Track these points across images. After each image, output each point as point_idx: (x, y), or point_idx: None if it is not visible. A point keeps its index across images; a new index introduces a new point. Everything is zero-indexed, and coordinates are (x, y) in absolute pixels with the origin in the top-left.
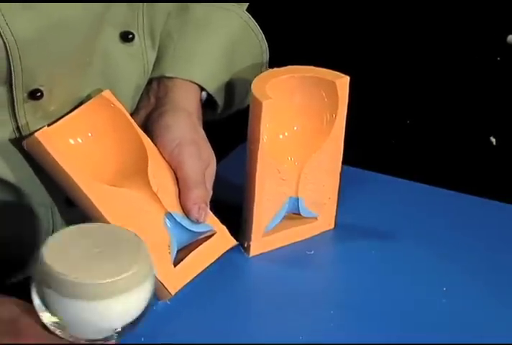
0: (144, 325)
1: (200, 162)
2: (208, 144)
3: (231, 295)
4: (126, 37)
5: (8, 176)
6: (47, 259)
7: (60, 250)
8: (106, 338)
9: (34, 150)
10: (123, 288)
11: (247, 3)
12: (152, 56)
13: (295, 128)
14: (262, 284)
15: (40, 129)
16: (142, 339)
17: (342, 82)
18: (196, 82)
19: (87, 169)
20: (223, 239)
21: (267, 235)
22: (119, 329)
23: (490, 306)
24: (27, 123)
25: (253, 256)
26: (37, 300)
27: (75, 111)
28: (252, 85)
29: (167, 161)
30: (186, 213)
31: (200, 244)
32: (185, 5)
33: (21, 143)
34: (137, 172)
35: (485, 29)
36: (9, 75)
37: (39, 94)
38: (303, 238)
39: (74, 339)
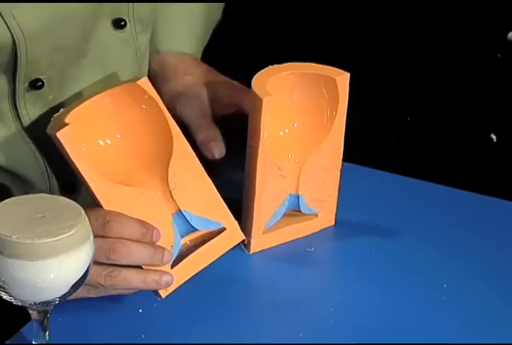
0: (143, 322)
1: (198, 105)
2: (214, 73)
3: (230, 292)
4: (118, 23)
5: (9, 164)
6: None
7: (4, 216)
8: (48, 302)
9: (55, 140)
10: (62, 249)
11: None
12: (143, 40)
13: (295, 125)
14: (261, 281)
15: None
16: (143, 336)
17: (342, 79)
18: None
19: (103, 165)
20: (231, 235)
21: (267, 232)
22: (60, 294)
23: (491, 304)
24: (28, 113)
25: (253, 253)
26: None
27: (101, 95)
28: (253, 82)
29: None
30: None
31: (206, 236)
32: None
33: (22, 132)
34: (158, 168)
35: (485, 26)
36: (14, 66)
37: (39, 84)
38: (304, 235)
39: (19, 302)
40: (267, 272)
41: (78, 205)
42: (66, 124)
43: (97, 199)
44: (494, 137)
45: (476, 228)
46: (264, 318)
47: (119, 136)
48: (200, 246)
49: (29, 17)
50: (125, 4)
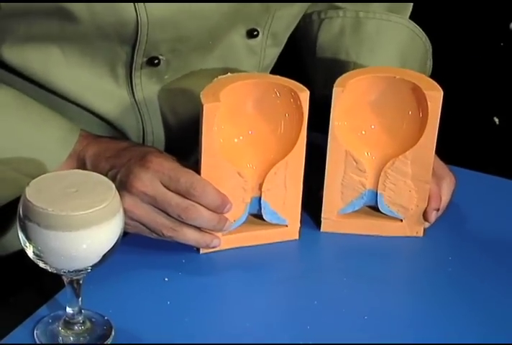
0: (168, 290)
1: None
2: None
3: (248, 262)
4: (251, 33)
5: (112, 117)
6: (29, 196)
7: (41, 189)
8: (81, 270)
9: (200, 105)
10: (94, 221)
11: (411, 5)
12: (271, 53)
13: (372, 126)
14: (278, 252)
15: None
16: (168, 303)
17: (433, 94)
18: None
19: (222, 143)
20: (288, 232)
21: (342, 217)
22: (92, 263)
23: (496, 275)
24: (141, 83)
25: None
26: (21, 234)
27: (257, 79)
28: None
29: None
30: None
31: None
32: (358, 22)
33: (131, 98)
34: (264, 163)
35: (488, 17)
36: (134, 41)
37: (156, 61)
38: (385, 234)
39: (55, 270)
40: (283, 244)
41: (109, 181)
42: (217, 99)
43: (200, 166)
44: (497, 120)
45: (480, 204)
46: (281, 286)
47: (250, 132)
48: (255, 226)
49: (158, 6)
50: (264, 18)
